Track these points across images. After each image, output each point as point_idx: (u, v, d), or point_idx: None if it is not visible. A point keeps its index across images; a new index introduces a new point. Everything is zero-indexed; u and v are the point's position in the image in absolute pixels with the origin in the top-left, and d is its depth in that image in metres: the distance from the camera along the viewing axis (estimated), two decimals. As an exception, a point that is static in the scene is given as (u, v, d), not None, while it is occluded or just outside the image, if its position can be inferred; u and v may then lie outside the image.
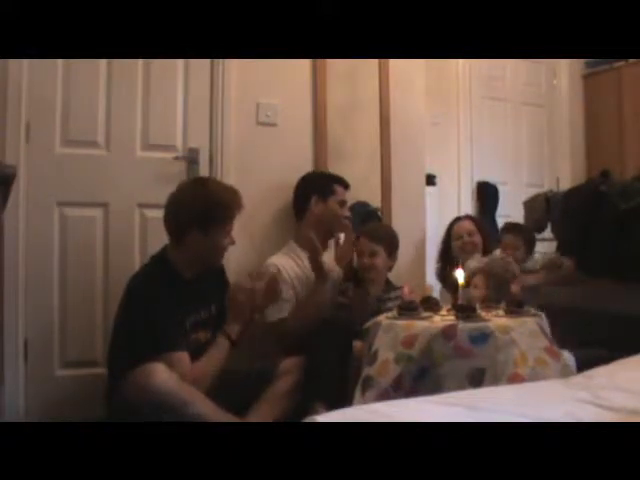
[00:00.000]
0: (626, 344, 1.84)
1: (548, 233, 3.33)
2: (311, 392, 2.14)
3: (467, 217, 3.24)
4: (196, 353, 2.08)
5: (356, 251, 2.67)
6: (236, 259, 2.74)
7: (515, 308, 2.12)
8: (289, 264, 2.61)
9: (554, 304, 2.67)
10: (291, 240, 2.72)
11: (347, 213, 2.78)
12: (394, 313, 2.14)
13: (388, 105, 3.17)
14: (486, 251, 2.95)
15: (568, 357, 2.20)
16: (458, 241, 3.02)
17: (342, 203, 2.73)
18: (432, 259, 3.22)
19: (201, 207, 2.12)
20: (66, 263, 2.54)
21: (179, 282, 2.14)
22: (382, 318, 2.12)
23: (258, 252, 2.79)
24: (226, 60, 2.77)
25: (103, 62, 2.60)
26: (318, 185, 2.75)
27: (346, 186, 2.77)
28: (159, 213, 2.24)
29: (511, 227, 3.23)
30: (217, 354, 2.12)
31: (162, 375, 1.91)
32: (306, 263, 2.62)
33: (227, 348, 2.13)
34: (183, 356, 2.03)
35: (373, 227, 2.81)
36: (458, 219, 3.18)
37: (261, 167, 2.87)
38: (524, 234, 3.14)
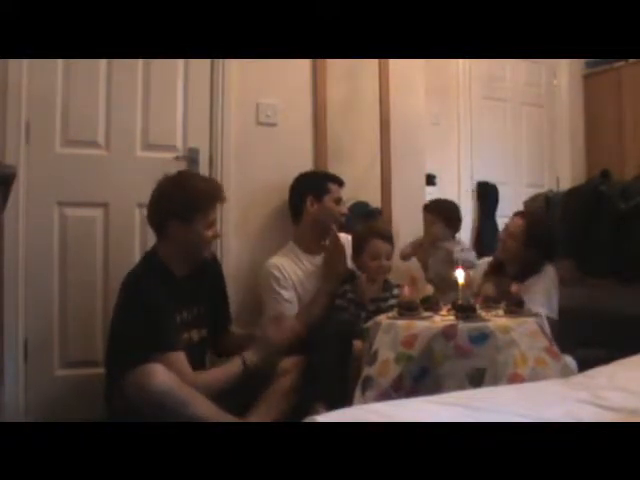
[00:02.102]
0: (626, 344, 1.84)
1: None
2: (311, 392, 2.14)
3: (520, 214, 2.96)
4: (189, 352, 2.08)
5: (369, 253, 2.54)
6: (236, 258, 2.75)
7: (515, 308, 2.12)
8: (289, 265, 2.61)
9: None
10: (291, 241, 2.72)
11: (344, 210, 2.76)
12: (394, 313, 2.14)
13: (388, 105, 3.17)
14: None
15: (570, 361, 2.20)
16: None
17: (338, 200, 2.71)
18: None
19: (180, 195, 2.12)
20: (66, 263, 2.54)
21: (170, 279, 2.14)
22: (382, 318, 2.12)
23: (258, 251, 2.80)
24: (226, 60, 2.77)
25: (103, 62, 2.60)
26: (312, 185, 2.73)
27: (340, 183, 2.75)
28: (159, 213, 2.24)
29: (430, 205, 3.01)
30: (228, 373, 2.13)
31: (162, 376, 1.91)
32: (306, 264, 2.62)
33: (240, 370, 2.13)
34: (179, 356, 2.03)
35: (382, 227, 2.75)
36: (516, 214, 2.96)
37: (261, 167, 2.87)
38: (443, 212, 2.94)
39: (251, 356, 2.17)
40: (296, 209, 2.74)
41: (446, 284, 2.49)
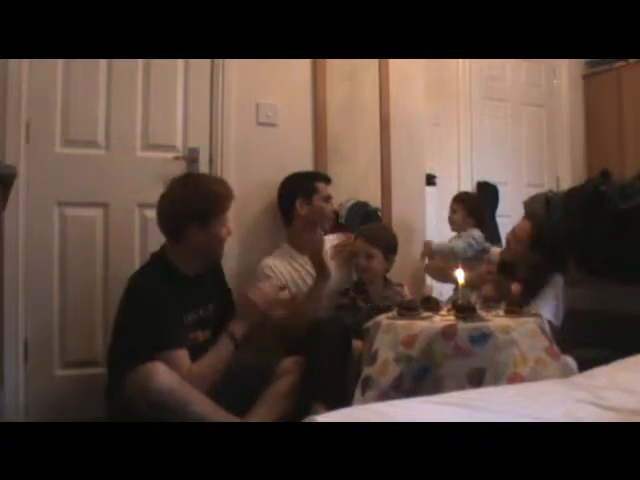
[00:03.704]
0: (626, 344, 1.84)
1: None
2: (311, 392, 2.14)
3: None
4: (194, 352, 2.08)
5: (354, 252, 2.66)
6: (235, 258, 2.75)
7: (515, 308, 2.12)
8: (283, 265, 2.61)
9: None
10: (284, 242, 2.72)
11: (334, 207, 2.77)
12: (394, 313, 2.14)
13: (388, 105, 3.17)
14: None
15: (570, 361, 2.19)
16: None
17: (327, 199, 2.72)
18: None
19: (199, 202, 2.13)
20: (66, 263, 2.54)
21: (179, 280, 2.14)
22: (382, 318, 2.12)
23: (257, 250, 2.79)
24: (226, 60, 2.77)
25: (103, 62, 2.60)
26: (299, 187, 2.73)
27: (327, 181, 2.76)
28: (159, 213, 2.23)
29: (458, 197, 3.25)
30: (219, 354, 2.10)
31: (163, 375, 1.91)
32: (301, 263, 2.62)
33: (230, 349, 2.11)
34: (182, 354, 2.03)
35: (371, 229, 2.77)
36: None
37: (261, 167, 2.87)
38: (468, 204, 3.15)
39: (236, 327, 2.14)
40: (287, 212, 2.74)
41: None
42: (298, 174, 2.85)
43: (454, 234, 3.15)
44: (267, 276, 2.55)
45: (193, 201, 2.13)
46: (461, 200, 3.17)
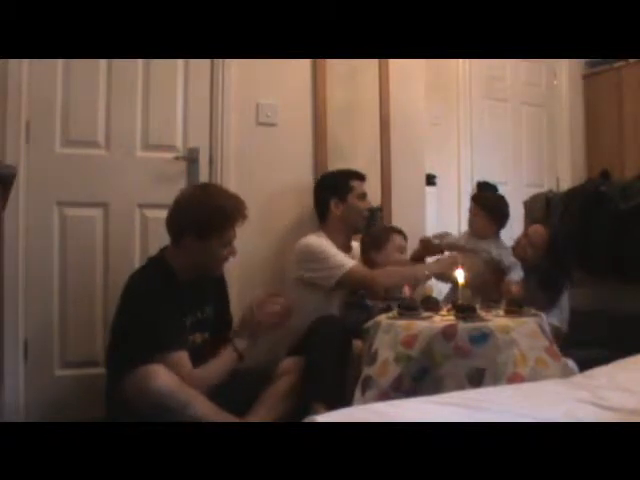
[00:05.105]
0: (626, 344, 1.84)
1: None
2: (311, 392, 2.14)
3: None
4: (192, 354, 2.08)
5: (393, 247, 2.69)
6: (236, 257, 2.75)
7: (515, 308, 2.12)
8: (330, 244, 2.61)
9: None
10: (320, 230, 2.71)
11: (368, 205, 2.78)
12: (394, 313, 2.14)
13: (388, 105, 3.17)
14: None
15: (571, 365, 2.19)
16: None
17: (362, 196, 2.73)
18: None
19: (198, 212, 2.11)
20: (66, 263, 2.55)
21: (176, 283, 2.14)
22: (382, 318, 2.12)
23: (258, 250, 2.80)
24: (226, 60, 2.77)
25: (103, 62, 2.60)
26: (335, 186, 2.73)
27: (362, 178, 2.76)
28: (159, 213, 2.25)
29: (479, 198, 2.91)
30: (223, 364, 2.12)
31: (163, 377, 1.91)
32: None
33: (234, 361, 2.13)
34: (183, 356, 2.03)
35: (379, 230, 2.85)
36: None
37: (261, 167, 2.87)
38: (491, 208, 2.82)
39: (241, 342, 2.15)
40: (322, 211, 2.75)
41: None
42: (334, 173, 2.85)
43: (457, 233, 3.09)
44: (316, 247, 2.55)
45: (193, 213, 2.12)
46: (482, 203, 2.81)
